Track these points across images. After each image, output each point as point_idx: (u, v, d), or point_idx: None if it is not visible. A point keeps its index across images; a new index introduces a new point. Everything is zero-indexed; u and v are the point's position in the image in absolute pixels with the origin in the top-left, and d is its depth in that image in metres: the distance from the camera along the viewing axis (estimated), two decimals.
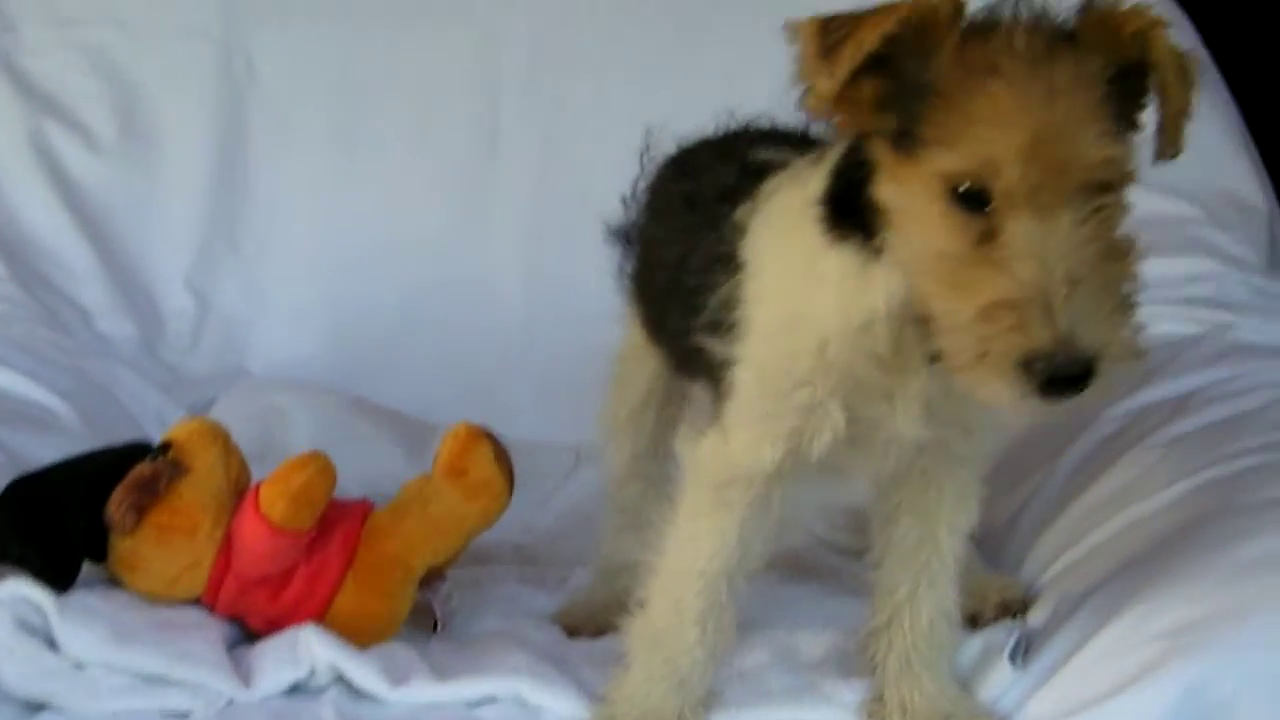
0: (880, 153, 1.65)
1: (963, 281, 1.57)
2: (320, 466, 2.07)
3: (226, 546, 2.08)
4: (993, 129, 1.56)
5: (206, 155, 3.39)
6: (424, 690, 1.96)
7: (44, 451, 2.47)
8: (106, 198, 3.33)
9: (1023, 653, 1.94)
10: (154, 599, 2.09)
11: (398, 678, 1.97)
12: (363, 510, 2.17)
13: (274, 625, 2.08)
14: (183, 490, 2.09)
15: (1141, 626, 1.76)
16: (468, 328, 3.28)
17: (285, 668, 1.98)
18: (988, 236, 1.57)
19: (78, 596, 2.02)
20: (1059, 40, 1.62)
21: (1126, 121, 1.65)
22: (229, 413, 2.78)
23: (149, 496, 2.07)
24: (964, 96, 1.58)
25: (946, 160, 1.58)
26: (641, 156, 2.24)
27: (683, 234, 1.98)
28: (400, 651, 2.04)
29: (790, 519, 2.43)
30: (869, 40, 1.58)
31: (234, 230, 3.37)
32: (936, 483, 1.89)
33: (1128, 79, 1.64)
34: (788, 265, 1.78)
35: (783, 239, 1.79)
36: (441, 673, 1.99)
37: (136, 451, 2.14)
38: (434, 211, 3.39)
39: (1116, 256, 1.59)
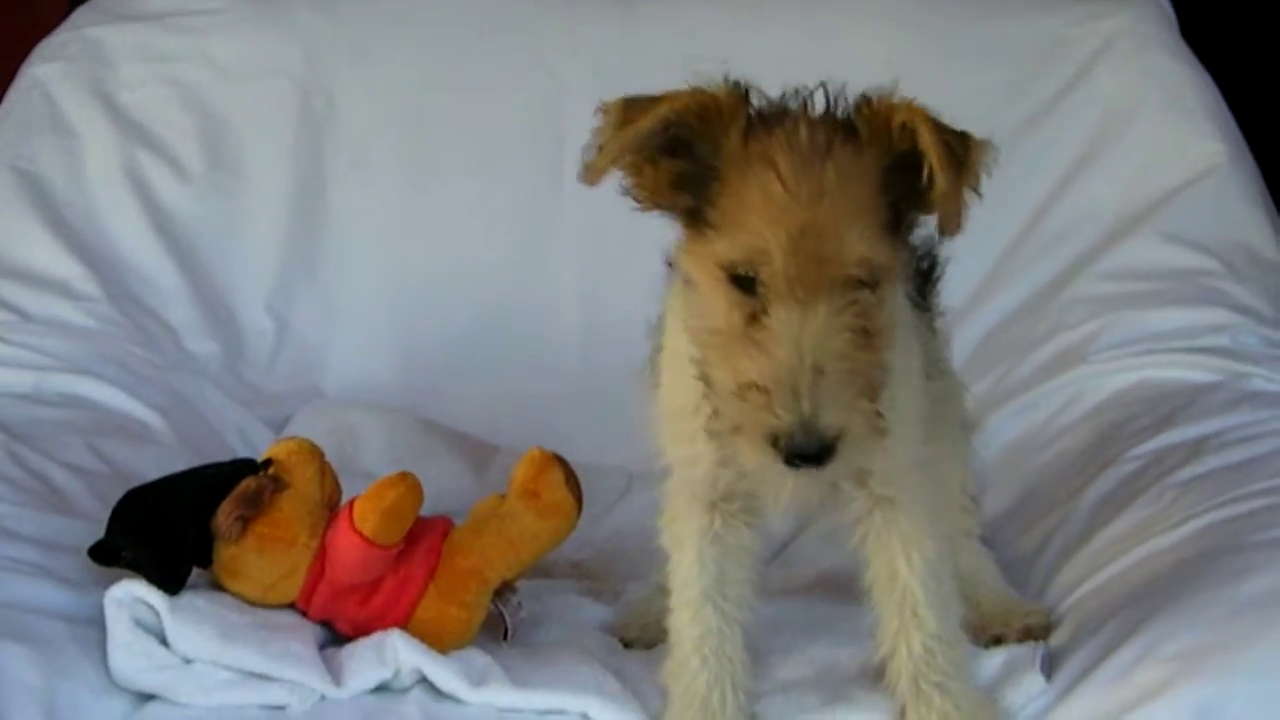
0: (681, 228, 1.80)
1: (730, 356, 1.73)
2: (410, 485, 2.19)
3: (321, 556, 2.21)
4: (762, 221, 1.69)
5: (287, 186, 3.53)
6: (501, 695, 2.09)
7: (142, 463, 2.62)
8: (194, 224, 3.47)
9: (1046, 669, 2.06)
10: (253, 603, 2.22)
11: (476, 680, 2.10)
12: (444, 527, 2.30)
13: (361, 630, 2.22)
14: (283, 504, 2.22)
15: (1156, 649, 1.88)
16: (529, 354, 3.40)
17: (373, 668, 2.11)
18: (756, 317, 1.71)
19: (187, 599, 2.15)
20: (839, 133, 1.73)
21: (907, 209, 1.75)
22: (304, 430, 2.84)
23: (253, 509, 2.20)
24: (742, 186, 1.71)
25: (723, 246, 1.72)
26: None
27: None
28: (477, 657, 2.17)
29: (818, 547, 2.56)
30: (642, 125, 1.72)
31: (312, 258, 3.49)
32: (886, 523, 1.98)
33: (912, 168, 1.73)
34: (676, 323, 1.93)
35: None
36: (516, 678, 2.12)
37: (241, 467, 2.27)
38: (500, 243, 3.50)
39: (865, 346, 1.72)
